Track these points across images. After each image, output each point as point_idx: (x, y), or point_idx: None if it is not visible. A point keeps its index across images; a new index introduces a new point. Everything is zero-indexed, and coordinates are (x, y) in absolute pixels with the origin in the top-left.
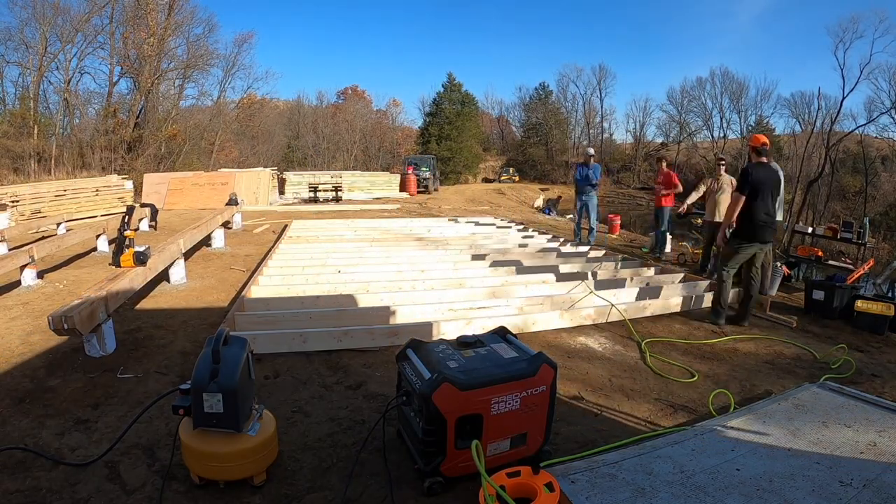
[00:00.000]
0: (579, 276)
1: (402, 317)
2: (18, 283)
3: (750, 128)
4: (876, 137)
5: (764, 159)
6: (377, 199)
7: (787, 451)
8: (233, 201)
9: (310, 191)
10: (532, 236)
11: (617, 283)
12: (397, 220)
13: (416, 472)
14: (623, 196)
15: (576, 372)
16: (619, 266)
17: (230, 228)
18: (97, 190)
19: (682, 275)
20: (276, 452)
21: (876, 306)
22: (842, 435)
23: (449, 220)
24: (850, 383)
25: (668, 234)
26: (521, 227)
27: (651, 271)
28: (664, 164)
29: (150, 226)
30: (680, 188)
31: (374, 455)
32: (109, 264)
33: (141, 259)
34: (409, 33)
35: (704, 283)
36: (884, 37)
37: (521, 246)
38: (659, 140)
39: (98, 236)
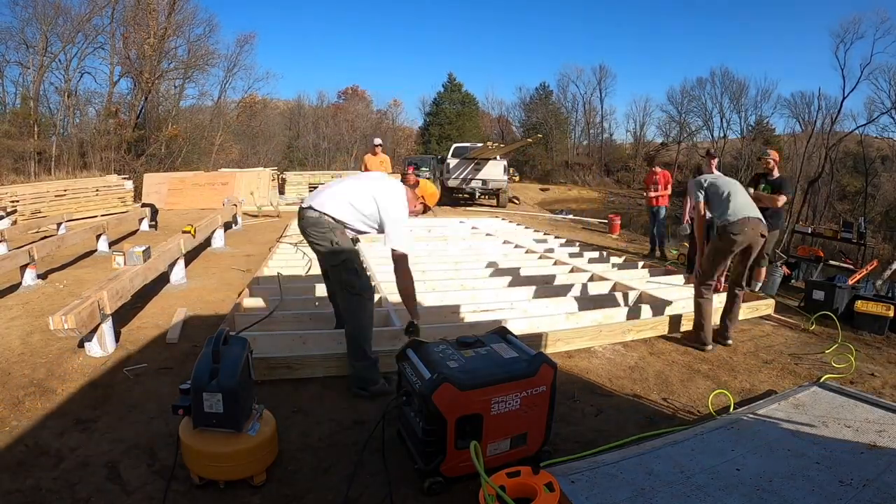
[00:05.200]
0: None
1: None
2: (19, 283)
3: (750, 128)
4: (876, 137)
5: None
6: None
7: (787, 451)
8: (230, 202)
9: (310, 191)
10: (545, 239)
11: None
12: None
13: (416, 472)
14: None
15: (576, 372)
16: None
17: (231, 228)
18: (97, 190)
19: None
20: (275, 452)
21: (876, 307)
22: (842, 435)
23: (450, 219)
24: (849, 383)
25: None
26: (525, 226)
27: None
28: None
29: (151, 226)
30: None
31: (375, 455)
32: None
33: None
34: (409, 33)
35: None
36: (885, 37)
37: (519, 246)
38: (659, 140)
39: (98, 236)
